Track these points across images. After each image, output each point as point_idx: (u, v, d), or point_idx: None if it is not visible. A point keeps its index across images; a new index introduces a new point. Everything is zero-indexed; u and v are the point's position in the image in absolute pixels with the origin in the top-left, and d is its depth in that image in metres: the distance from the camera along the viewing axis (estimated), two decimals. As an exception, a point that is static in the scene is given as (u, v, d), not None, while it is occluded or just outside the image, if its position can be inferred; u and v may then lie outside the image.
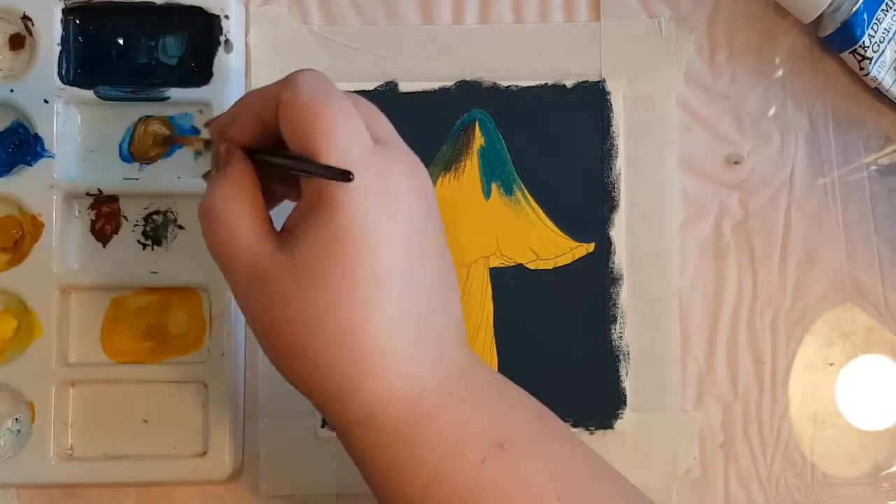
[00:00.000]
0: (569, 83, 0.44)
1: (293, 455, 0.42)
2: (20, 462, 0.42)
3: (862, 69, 0.43)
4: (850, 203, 0.44)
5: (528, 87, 0.44)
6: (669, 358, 0.43)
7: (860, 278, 0.44)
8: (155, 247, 0.43)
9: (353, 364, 0.31)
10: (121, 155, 0.43)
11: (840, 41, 0.42)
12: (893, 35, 0.42)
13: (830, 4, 0.42)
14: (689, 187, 0.44)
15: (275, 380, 0.36)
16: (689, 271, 0.44)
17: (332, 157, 0.30)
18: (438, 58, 0.44)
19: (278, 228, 0.33)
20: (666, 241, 0.44)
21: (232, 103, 0.43)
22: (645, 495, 0.34)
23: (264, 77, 0.44)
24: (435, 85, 0.44)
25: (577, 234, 0.44)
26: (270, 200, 0.35)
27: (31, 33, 0.43)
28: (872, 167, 0.44)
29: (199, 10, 0.43)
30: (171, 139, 0.43)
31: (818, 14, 0.42)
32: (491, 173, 0.44)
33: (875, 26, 0.42)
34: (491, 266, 0.44)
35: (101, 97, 0.43)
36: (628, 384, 0.43)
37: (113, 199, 0.43)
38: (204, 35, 0.43)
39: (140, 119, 0.43)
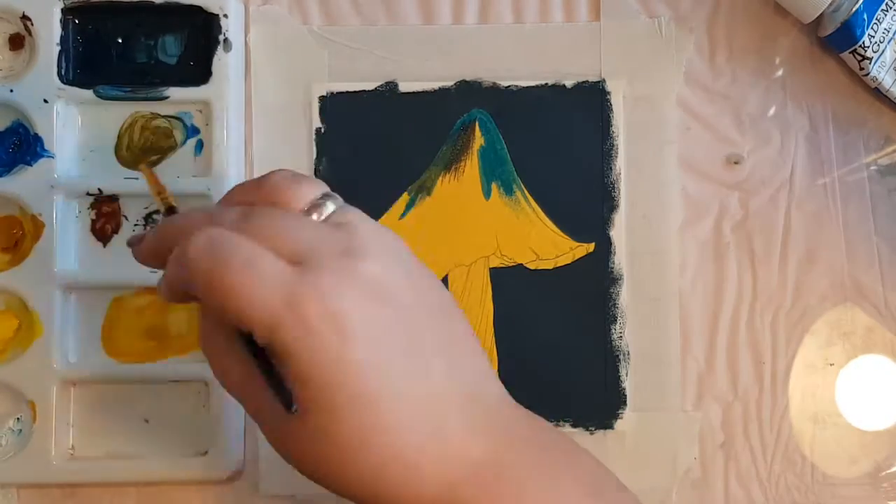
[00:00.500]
0: (569, 83, 0.44)
1: (293, 455, 0.42)
2: (22, 462, 0.42)
3: (862, 69, 0.43)
4: (850, 203, 0.44)
5: (528, 87, 0.44)
6: (669, 358, 0.43)
7: (860, 278, 0.44)
8: (155, 247, 0.43)
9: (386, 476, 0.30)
10: (120, 155, 0.44)
11: (840, 41, 0.42)
12: (893, 35, 0.42)
13: (830, 4, 0.42)
14: (689, 187, 0.44)
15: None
16: (689, 271, 0.44)
17: (252, 315, 0.28)
18: (438, 58, 0.44)
19: None
20: (666, 241, 0.44)
21: (232, 104, 0.43)
22: None
23: (264, 77, 0.44)
24: (435, 85, 0.44)
25: (577, 234, 0.44)
26: None
27: (30, 33, 0.43)
28: (872, 167, 0.44)
29: (198, 10, 0.43)
30: (150, 166, 0.42)
31: (818, 14, 0.42)
32: (491, 173, 0.44)
33: (875, 26, 0.42)
34: (491, 266, 0.44)
35: (101, 97, 0.43)
36: (628, 384, 0.43)
37: (113, 198, 0.43)
38: (203, 34, 0.43)
39: (125, 126, 0.43)
